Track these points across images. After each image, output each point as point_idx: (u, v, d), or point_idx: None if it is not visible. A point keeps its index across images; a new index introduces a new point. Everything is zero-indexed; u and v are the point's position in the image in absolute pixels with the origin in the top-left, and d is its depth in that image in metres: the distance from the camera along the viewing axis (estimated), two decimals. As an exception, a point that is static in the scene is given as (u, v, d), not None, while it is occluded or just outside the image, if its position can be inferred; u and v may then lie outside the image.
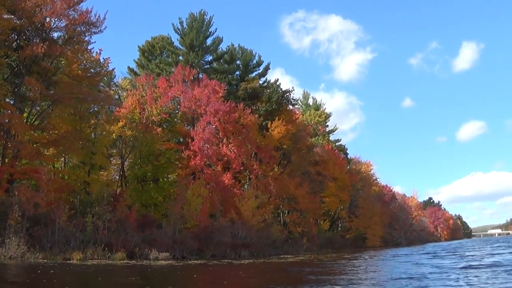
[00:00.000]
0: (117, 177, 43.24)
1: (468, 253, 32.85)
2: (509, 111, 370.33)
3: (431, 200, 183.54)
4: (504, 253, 29.82)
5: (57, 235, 26.26)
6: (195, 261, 29.56)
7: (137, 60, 58.99)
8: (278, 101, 55.71)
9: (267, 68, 63.18)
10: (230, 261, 31.17)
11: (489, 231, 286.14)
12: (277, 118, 53.43)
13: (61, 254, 24.77)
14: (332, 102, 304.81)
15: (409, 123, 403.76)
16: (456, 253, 33.43)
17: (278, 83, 59.48)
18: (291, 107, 61.48)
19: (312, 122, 73.89)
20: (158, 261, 28.27)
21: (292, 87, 66.65)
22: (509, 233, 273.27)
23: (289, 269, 22.51)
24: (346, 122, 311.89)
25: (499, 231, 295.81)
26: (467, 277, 14.88)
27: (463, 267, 18.57)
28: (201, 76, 51.58)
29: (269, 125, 53.25)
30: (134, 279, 17.37)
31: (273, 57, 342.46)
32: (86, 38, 31.05)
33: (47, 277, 16.12)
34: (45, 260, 23.30)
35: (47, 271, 17.97)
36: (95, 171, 36.43)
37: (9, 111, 28.34)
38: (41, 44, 26.78)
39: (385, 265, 25.47)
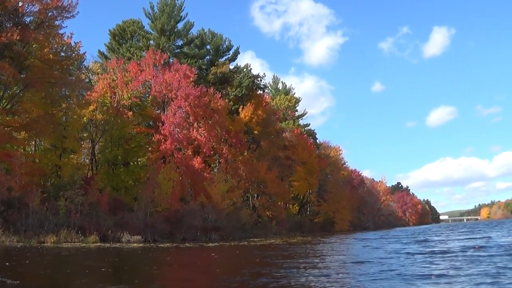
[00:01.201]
0: (87, 161, 43.37)
1: (430, 238, 34.11)
2: (479, 97, 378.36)
3: (400, 185, 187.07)
4: (461, 239, 30.92)
5: (31, 219, 26.63)
6: (167, 244, 30.15)
7: (107, 44, 58.76)
8: (249, 87, 56.30)
9: (236, 53, 63.76)
10: (201, 244, 31.87)
11: (441, 217, 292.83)
12: (249, 104, 54.13)
13: (36, 237, 25.20)
14: (302, 86, 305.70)
15: (379, 107, 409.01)
16: (419, 238, 34.68)
17: (249, 68, 60.03)
18: (261, 92, 62.17)
19: (282, 107, 74.54)
20: (130, 244, 28.87)
21: (264, 73, 67.01)
22: (477, 219, 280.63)
23: (259, 253, 23.27)
24: (316, 106, 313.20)
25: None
26: (425, 261, 15.79)
27: (421, 252, 19.47)
28: (171, 60, 51.78)
29: (239, 110, 53.89)
30: (111, 261, 17.94)
31: (243, 41, 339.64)
32: (58, 23, 31.08)
33: (25, 260, 16.62)
34: (20, 243, 23.70)
35: (24, 254, 18.47)
36: (66, 154, 36.60)
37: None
38: (16, 30, 26.76)
39: (351, 249, 26.47)
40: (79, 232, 27.41)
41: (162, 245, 28.73)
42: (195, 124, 46.61)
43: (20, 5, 28.33)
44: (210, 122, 47.28)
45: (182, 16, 57.49)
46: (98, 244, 27.05)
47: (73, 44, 34.17)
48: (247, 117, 53.29)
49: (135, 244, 28.60)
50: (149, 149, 44.38)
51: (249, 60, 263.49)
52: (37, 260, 16.76)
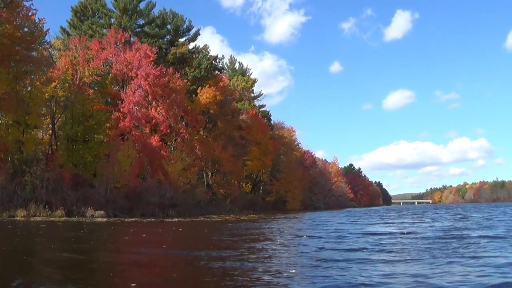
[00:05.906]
0: (46, 136, 43.81)
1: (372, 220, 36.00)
2: (438, 82, 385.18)
3: (352, 167, 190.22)
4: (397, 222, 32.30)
5: (1, 193, 27.68)
6: (129, 219, 31.53)
7: (69, 20, 58.48)
8: (207, 68, 57.58)
9: (197, 34, 64.64)
10: (160, 219, 33.43)
11: (392, 200, 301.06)
12: (207, 85, 55.44)
13: (6, 211, 26.35)
14: (261, 64, 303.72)
15: (336, 88, 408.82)
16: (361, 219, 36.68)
17: (208, 49, 61.16)
18: (218, 72, 63.51)
19: (238, 88, 75.64)
20: (94, 218, 30.27)
21: (222, 55, 67.49)
22: (428, 202, 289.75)
23: (218, 227, 24.97)
24: (274, 84, 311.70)
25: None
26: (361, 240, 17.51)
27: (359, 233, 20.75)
28: (132, 39, 52.44)
29: (198, 91, 55.17)
30: (87, 232, 19.21)
31: (204, 16, 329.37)
32: (28, 5, 31.55)
33: (6, 229, 17.99)
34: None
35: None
36: (29, 130, 37.17)
37: None
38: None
39: (298, 226, 28.21)
40: (46, 206, 28.67)
41: (125, 220, 30.06)
42: (154, 103, 47.60)
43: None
44: (168, 101, 48.24)
45: (144, -5, 58.11)
46: (65, 218, 28.32)
47: (37, 20, 34.55)
48: (208, 100, 54.61)
49: (99, 219, 29.98)
50: (108, 126, 45.20)
51: (209, 36, 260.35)
52: (19, 231, 18.08)
